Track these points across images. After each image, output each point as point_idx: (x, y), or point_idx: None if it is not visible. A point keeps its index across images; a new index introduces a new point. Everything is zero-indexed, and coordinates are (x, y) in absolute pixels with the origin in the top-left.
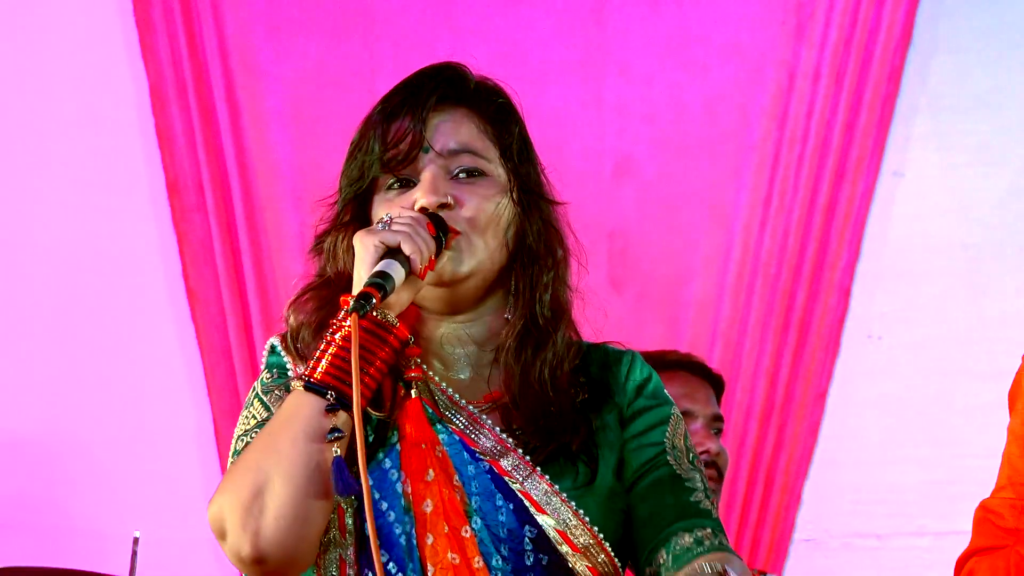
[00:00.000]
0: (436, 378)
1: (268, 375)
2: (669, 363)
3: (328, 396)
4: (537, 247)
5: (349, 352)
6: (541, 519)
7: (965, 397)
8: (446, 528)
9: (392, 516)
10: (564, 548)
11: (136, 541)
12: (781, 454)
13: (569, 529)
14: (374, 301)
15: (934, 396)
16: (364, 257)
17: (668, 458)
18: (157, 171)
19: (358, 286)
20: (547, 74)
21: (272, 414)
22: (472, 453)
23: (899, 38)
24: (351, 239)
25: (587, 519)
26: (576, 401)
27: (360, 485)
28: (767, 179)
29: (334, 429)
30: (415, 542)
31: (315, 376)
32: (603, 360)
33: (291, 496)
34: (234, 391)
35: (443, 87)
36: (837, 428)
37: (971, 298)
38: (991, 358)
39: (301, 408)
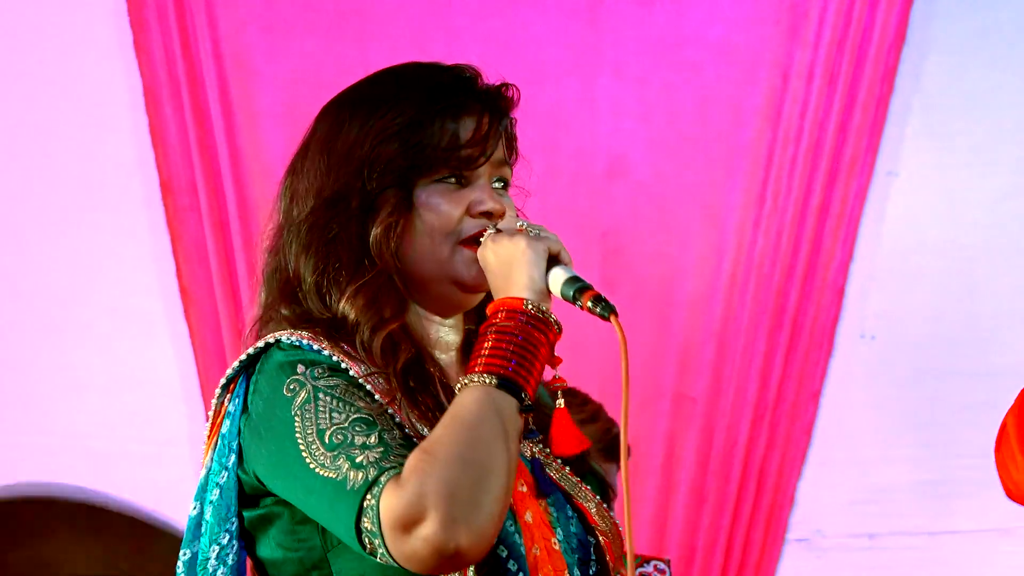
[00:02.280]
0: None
1: (316, 370)
2: None
3: (523, 397)
4: None
5: (527, 351)
6: (596, 529)
7: (958, 397)
8: (542, 541)
9: (512, 527)
10: (606, 558)
11: None
12: (774, 454)
13: (612, 539)
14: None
15: (927, 396)
16: (536, 261)
17: None
18: (151, 171)
19: (526, 289)
20: (541, 74)
21: (356, 406)
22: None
23: (893, 38)
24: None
25: (621, 529)
26: None
27: (555, 488)
28: (760, 179)
29: (532, 431)
30: (524, 551)
31: (498, 371)
32: None
33: (503, 492)
34: None
35: (506, 101)
36: (830, 428)
37: (964, 298)
38: (984, 358)
39: (499, 405)
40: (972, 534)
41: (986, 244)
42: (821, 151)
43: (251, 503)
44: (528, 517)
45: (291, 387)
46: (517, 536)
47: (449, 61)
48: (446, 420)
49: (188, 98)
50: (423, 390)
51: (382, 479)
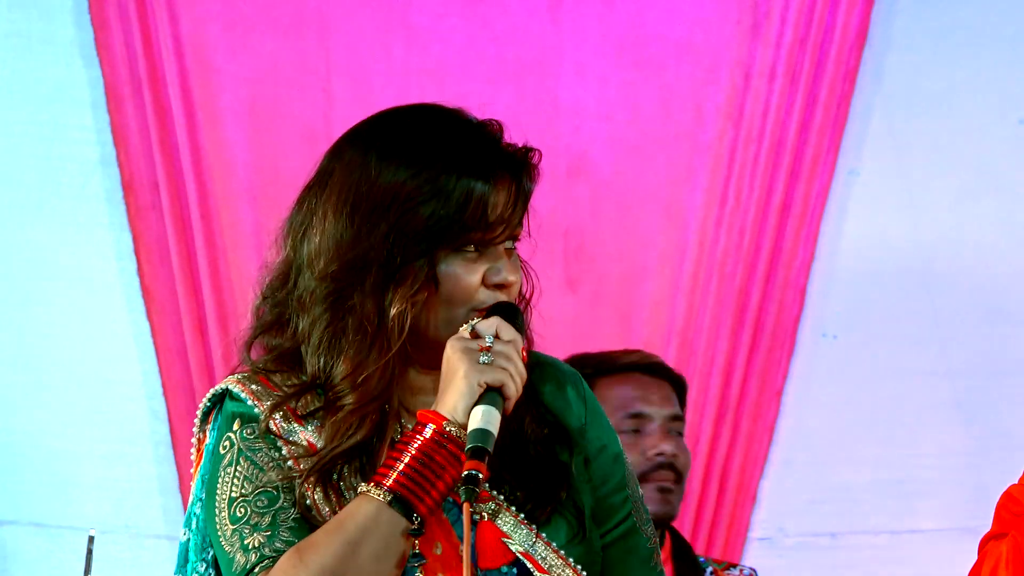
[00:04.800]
0: None
1: (247, 430)
2: (623, 366)
3: (415, 519)
4: None
5: (430, 472)
6: None
7: (919, 396)
8: None
9: None
10: None
11: (91, 540)
12: (736, 453)
13: None
14: (481, 481)
15: (889, 395)
16: (465, 393)
17: (635, 518)
18: (112, 169)
19: (450, 412)
20: (502, 73)
21: (267, 477)
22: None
23: (854, 37)
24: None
25: (584, 573)
26: (543, 437)
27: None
28: (722, 178)
29: (417, 555)
30: None
31: (398, 489)
32: (548, 377)
33: None
34: (190, 390)
35: (534, 168)
36: (792, 427)
37: (925, 297)
38: (945, 357)
39: (383, 525)
40: (934, 533)
41: (947, 243)
42: (783, 150)
43: None
44: None
45: (224, 444)
46: None
47: (411, 61)
48: (329, 526)
49: (150, 96)
50: (354, 472)
51: (256, 571)
